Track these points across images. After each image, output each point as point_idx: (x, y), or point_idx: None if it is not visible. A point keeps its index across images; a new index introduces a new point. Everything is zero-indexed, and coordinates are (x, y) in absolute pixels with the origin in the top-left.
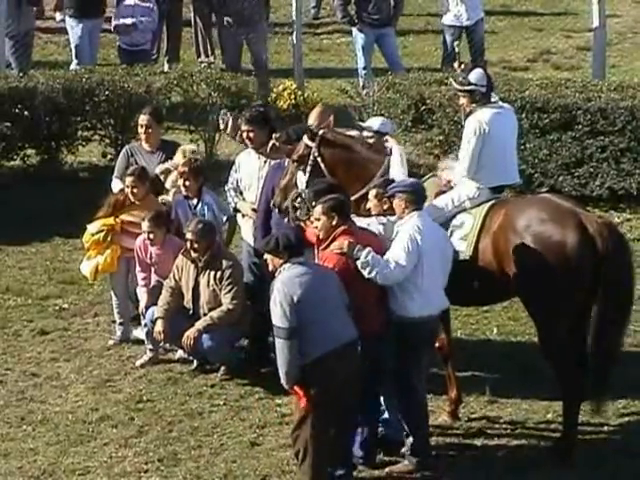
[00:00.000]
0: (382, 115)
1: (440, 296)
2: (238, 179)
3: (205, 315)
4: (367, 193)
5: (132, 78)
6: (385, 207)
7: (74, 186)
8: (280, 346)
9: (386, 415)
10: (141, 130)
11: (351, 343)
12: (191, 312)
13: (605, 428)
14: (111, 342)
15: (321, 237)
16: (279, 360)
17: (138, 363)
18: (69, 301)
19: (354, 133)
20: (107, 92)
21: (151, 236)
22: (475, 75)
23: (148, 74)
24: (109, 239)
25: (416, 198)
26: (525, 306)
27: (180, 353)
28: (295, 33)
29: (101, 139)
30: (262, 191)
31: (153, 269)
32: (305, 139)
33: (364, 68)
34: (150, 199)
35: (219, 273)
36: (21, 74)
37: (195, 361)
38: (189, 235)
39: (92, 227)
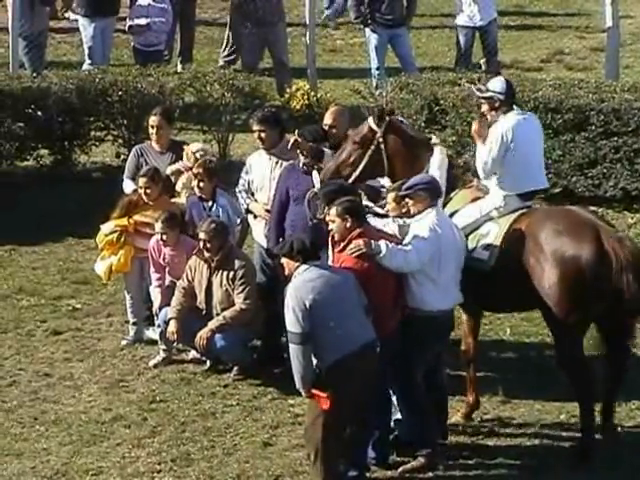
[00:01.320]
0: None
1: (455, 291)
2: (250, 180)
3: (218, 315)
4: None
5: (145, 78)
6: (404, 210)
7: (87, 186)
8: (294, 352)
9: (399, 415)
10: (152, 130)
11: (369, 344)
12: (204, 312)
13: (619, 429)
14: (124, 342)
15: (336, 239)
16: (294, 365)
17: (151, 363)
18: (82, 301)
19: None
20: (120, 92)
21: (164, 237)
22: (494, 83)
23: (161, 74)
24: (122, 240)
25: (434, 195)
26: (544, 318)
27: (193, 353)
28: (308, 33)
29: (114, 139)
30: (275, 192)
31: (167, 270)
32: (370, 122)
33: (377, 68)
34: (163, 200)
35: (232, 273)
36: (34, 74)
37: (208, 361)
38: (202, 235)
39: (105, 228)
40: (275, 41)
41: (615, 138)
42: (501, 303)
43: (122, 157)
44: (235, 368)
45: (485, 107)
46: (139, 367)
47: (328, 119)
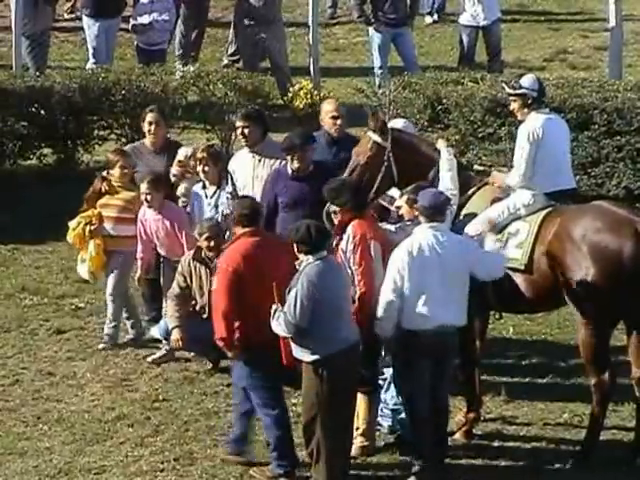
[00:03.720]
0: (398, 115)
1: (441, 312)
2: (235, 183)
3: None
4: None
5: (148, 77)
6: (416, 213)
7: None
8: (281, 329)
9: (403, 415)
10: (149, 127)
11: (356, 344)
12: (206, 315)
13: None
14: (101, 346)
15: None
16: (278, 329)
17: (150, 359)
18: (85, 300)
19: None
20: (123, 91)
21: (149, 198)
22: (527, 80)
23: (165, 73)
24: (89, 231)
25: (431, 213)
26: (579, 312)
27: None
28: (311, 32)
29: (117, 138)
30: (262, 199)
31: (156, 240)
32: (375, 137)
33: (380, 67)
34: (132, 187)
35: None
36: (37, 73)
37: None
38: (205, 235)
39: (72, 223)
40: (272, 42)
41: (618, 137)
42: (533, 302)
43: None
44: None
45: (516, 104)
46: (142, 366)
47: (333, 109)
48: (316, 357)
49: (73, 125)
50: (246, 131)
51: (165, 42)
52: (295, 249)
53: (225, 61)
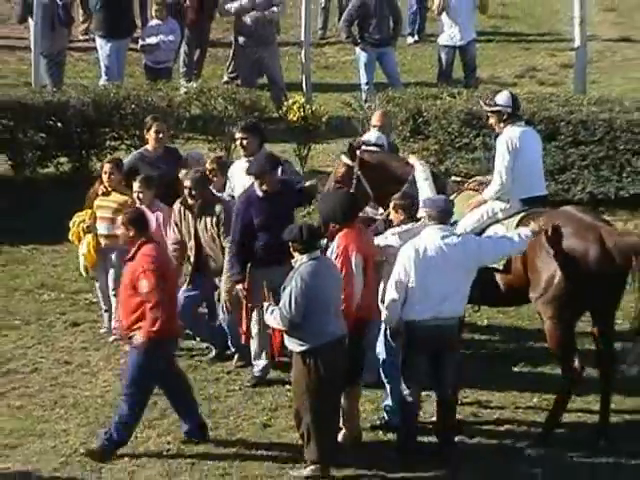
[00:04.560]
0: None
1: (437, 304)
2: (232, 187)
3: (207, 256)
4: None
5: (156, 93)
6: (402, 217)
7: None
8: (273, 322)
9: (389, 402)
10: (155, 135)
11: (343, 337)
12: (194, 257)
13: (588, 414)
14: (102, 331)
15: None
16: (270, 321)
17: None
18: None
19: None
20: (133, 106)
21: (140, 196)
22: (501, 97)
23: (170, 89)
24: (82, 229)
25: (438, 215)
26: (546, 309)
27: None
28: (304, 52)
29: (127, 148)
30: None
31: None
32: (345, 159)
33: (366, 84)
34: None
35: (215, 218)
36: (55, 89)
37: (213, 350)
38: (186, 183)
39: (70, 222)
40: (268, 60)
41: (583, 147)
42: (509, 297)
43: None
44: (236, 356)
45: (493, 120)
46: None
47: (376, 120)
48: (305, 348)
49: (87, 136)
50: (245, 142)
51: (171, 61)
52: (290, 249)
53: (225, 78)
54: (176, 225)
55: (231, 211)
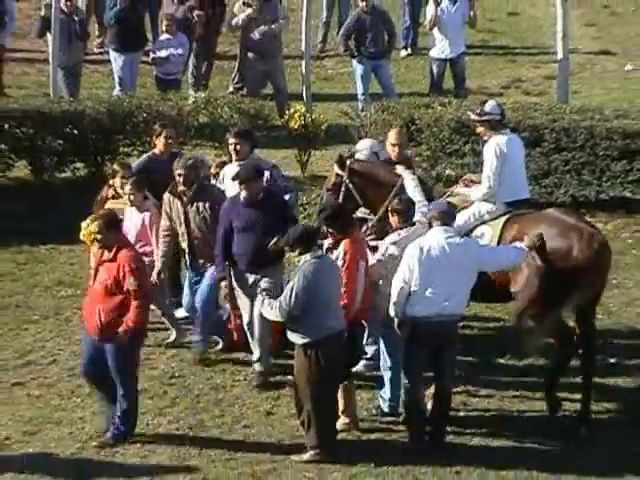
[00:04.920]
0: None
1: (440, 302)
2: (224, 190)
3: (197, 239)
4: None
5: (166, 102)
6: (399, 221)
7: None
8: (272, 314)
9: (384, 391)
10: (164, 141)
11: (342, 331)
12: (184, 241)
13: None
14: None
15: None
16: (266, 312)
17: (166, 342)
18: None
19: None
20: (144, 114)
21: (132, 197)
22: (490, 106)
23: (179, 99)
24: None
25: (443, 217)
26: (516, 306)
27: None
28: (305, 64)
29: (139, 154)
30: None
31: (133, 232)
32: (336, 168)
33: (362, 94)
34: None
35: (207, 203)
36: (71, 99)
37: (221, 342)
38: (179, 170)
39: (83, 224)
40: (274, 71)
41: (565, 153)
42: (499, 294)
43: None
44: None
45: (482, 128)
46: (160, 348)
47: (393, 139)
48: (306, 341)
49: (101, 143)
50: (238, 147)
51: (180, 72)
52: (290, 249)
53: (231, 88)
54: (166, 214)
55: (220, 199)
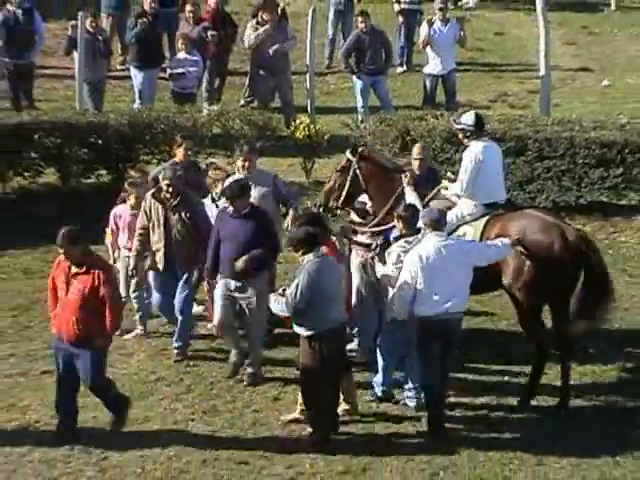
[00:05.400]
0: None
1: (444, 301)
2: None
3: (175, 244)
4: (391, 207)
5: (182, 115)
6: (404, 228)
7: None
8: (279, 309)
9: (379, 376)
10: (184, 151)
11: (344, 324)
12: (161, 243)
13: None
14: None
15: None
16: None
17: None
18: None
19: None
20: (162, 125)
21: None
22: (464, 117)
23: (194, 112)
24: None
25: (436, 224)
26: (512, 295)
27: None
28: (309, 80)
29: (158, 162)
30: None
31: (127, 231)
32: (348, 154)
33: (362, 107)
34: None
35: (189, 212)
36: (96, 112)
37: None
38: (167, 180)
39: (107, 228)
40: (283, 85)
41: (547, 161)
42: (479, 286)
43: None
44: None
45: (460, 135)
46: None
47: (417, 153)
48: (311, 333)
49: (123, 152)
50: (246, 163)
51: (195, 87)
52: (294, 250)
53: (242, 102)
54: (145, 213)
55: (200, 208)
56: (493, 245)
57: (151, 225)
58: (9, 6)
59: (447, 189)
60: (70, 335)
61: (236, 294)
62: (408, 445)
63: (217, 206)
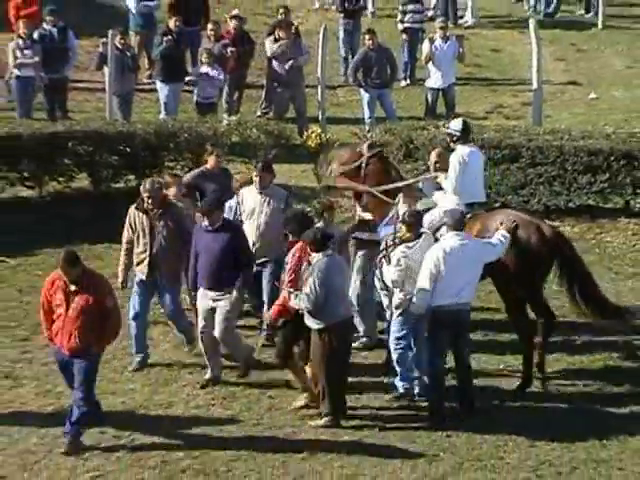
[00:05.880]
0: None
1: (453, 293)
2: (240, 209)
3: (157, 253)
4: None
5: (203, 124)
6: (408, 233)
7: None
8: (302, 304)
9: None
10: (215, 158)
11: (350, 317)
12: (145, 250)
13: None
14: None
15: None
16: (306, 302)
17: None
18: None
19: None
20: (185, 135)
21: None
22: (452, 123)
23: (215, 122)
24: None
25: (455, 225)
26: (497, 285)
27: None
28: (320, 92)
29: (181, 168)
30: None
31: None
32: (364, 147)
33: (369, 118)
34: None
35: (173, 222)
36: (125, 122)
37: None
38: (146, 193)
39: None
40: (297, 98)
41: (539, 167)
42: None
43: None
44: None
45: (448, 139)
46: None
47: (434, 157)
48: (321, 326)
49: (150, 158)
50: (259, 178)
51: (216, 97)
52: (308, 248)
53: (258, 113)
54: (130, 226)
55: (184, 216)
56: (499, 241)
57: (136, 237)
58: (45, 25)
59: (437, 178)
60: (71, 347)
61: (213, 303)
62: (410, 428)
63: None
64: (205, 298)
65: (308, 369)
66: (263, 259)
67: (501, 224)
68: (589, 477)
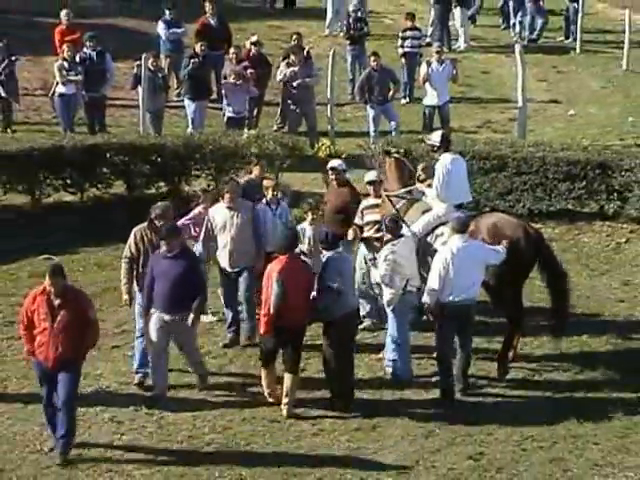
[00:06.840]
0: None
1: (461, 290)
2: (212, 229)
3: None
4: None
5: (226, 137)
6: (389, 236)
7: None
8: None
9: (395, 355)
10: (260, 168)
11: (356, 310)
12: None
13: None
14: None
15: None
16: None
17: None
18: None
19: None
20: (210, 146)
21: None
22: (432, 135)
23: (236, 135)
24: None
25: (460, 228)
26: (488, 282)
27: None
28: (329, 109)
29: (206, 176)
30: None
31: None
32: (384, 149)
33: (373, 131)
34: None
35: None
36: (156, 135)
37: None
38: (155, 214)
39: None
40: (309, 114)
41: (524, 176)
42: None
43: (211, 187)
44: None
45: (429, 149)
46: (220, 322)
47: (419, 170)
48: (331, 318)
49: (179, 167)
50: (228, 196)
51: (246, 111)
52: (320, 247)
53: (275, 127)
54: (135, 244)
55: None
56: (501, 249)
57: (139, 254)
58: (86, 49)
59: (420, 189)
60: (59, 359)
61: (168, 327)
62: (409, 409)
63: (270, 209)
64: (158, 320)
65: (287, 377)
66: (237, 268)
67: (494, 229)
68: (567, 450)
